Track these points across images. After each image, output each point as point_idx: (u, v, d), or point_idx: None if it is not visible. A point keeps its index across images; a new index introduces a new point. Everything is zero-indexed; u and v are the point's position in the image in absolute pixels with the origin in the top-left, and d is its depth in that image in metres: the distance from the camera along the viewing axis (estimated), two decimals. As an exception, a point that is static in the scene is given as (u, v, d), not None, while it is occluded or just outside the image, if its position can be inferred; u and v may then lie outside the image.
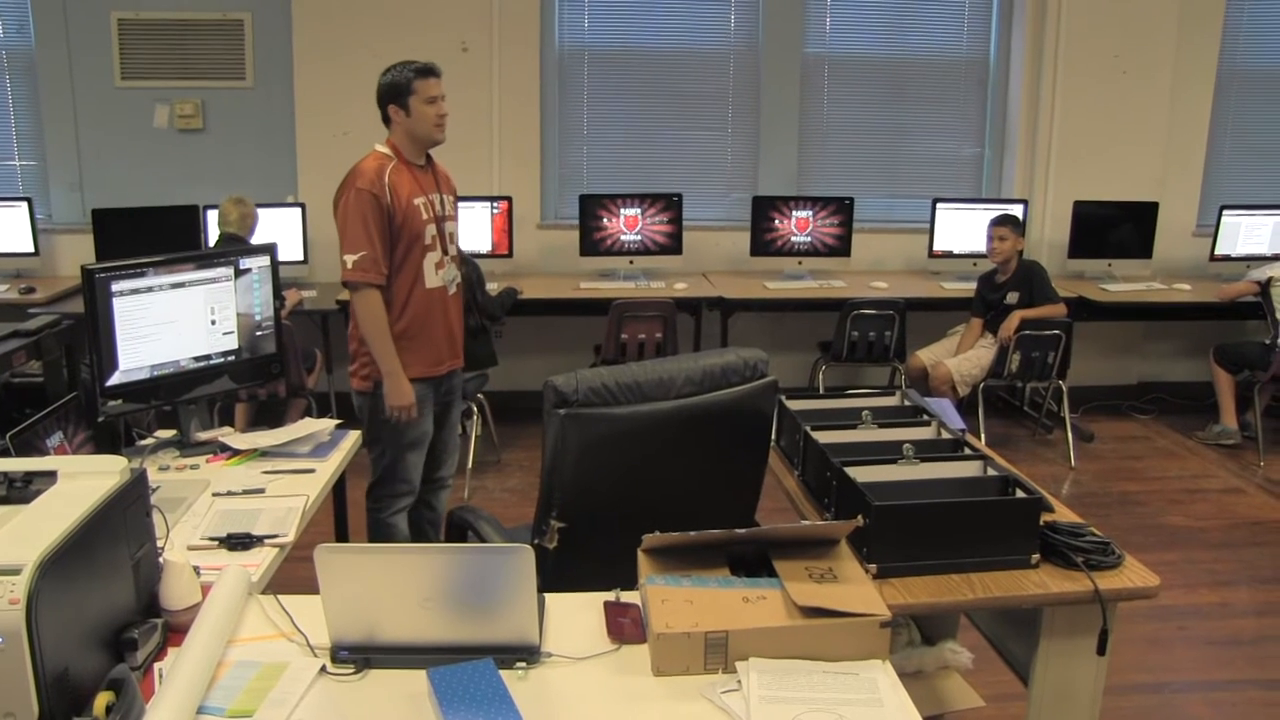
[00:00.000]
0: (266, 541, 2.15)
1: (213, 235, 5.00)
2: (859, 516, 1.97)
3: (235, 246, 4.22)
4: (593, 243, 5.55)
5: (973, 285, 5.38)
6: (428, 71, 3.08)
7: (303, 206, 5.38)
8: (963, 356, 5.14)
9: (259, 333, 2.88)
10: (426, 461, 3.36)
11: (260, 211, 4.96)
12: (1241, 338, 5.67)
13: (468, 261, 4.78)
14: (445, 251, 3.21)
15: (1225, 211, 5.83)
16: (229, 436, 2.77)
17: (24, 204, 5.42)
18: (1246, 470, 5.02)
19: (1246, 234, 5.86)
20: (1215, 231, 5.84)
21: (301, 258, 5.36)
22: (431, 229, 3.14)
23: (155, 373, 2.66)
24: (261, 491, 2.44)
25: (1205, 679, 3.21)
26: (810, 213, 5.64)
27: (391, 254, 3.07)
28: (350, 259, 3.01)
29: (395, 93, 3.08)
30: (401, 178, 3.08)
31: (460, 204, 5.03)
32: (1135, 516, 4.46)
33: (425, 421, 3.23)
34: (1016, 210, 5.59)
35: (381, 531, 3.25)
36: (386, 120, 3.13)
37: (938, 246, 5.74)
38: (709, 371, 2.26)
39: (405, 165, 3.11)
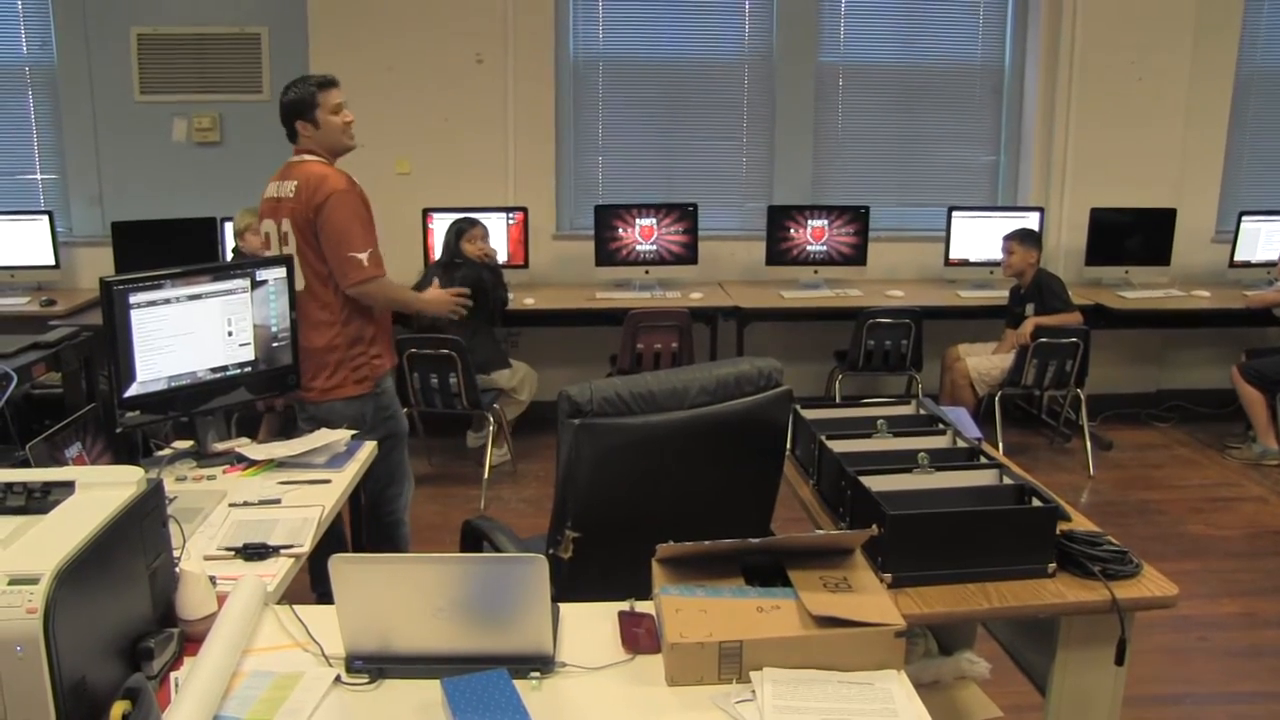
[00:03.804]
0: (282, 552, 2.15)
1: (229, 244, 5.05)
2: (874, 526, 1.97)
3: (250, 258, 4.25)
4: (608, 253, 5.55)
5: (989, 293, 5.51)
6: (328, 83, 3.17)
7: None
8: (984, 356, 5.15)
9: (275, 344, 2.89)
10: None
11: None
12: (1263, 344, 5.62)
13: (492, 269, 4.85)
14: None
15: (1244, 217, 5.79)
16: (245, 447, 2.79)
17: (45, 218, 5.48)
18: (1269, 479, 4.96)
19: (1266, 240, 5.81)
20: (1234, 237, 5.80)
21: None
22: None
23: (172, 384, 2.68)
24: (278, 502, 2.45)
25: (1227, 691, 3.17)
26: (826, 222, 5.64)
27: None
28: (363, 256, 3.09)
29: (300, 109, 3.16)
30: None
31: (476, 214, 5.13)
32: (1155, 525, 4.43)
33: (401, 411, 3.40)
34: (1033, 217, 5.58)
35: (399, 531, 3.31)
36: (293, 135, 3.19)
37: (954, 255, 5.72)
38: (723, 381, 2.26)
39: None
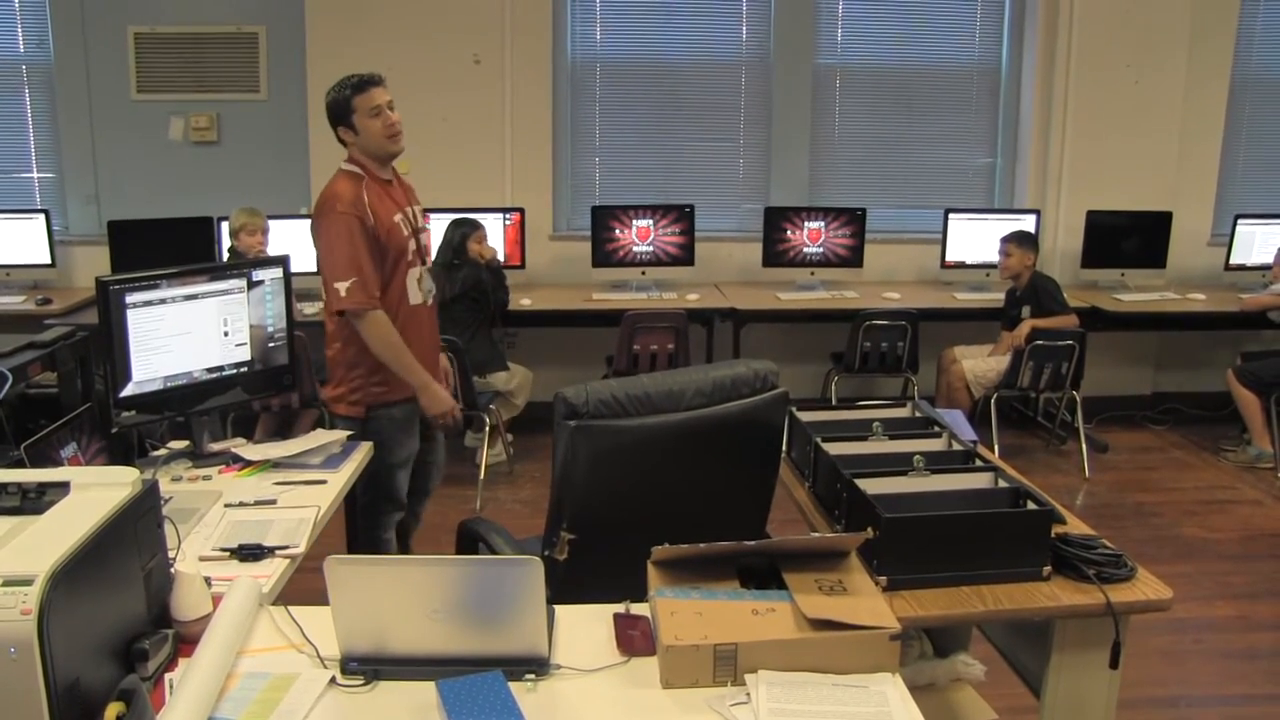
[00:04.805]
0: (277, 552, 2.15)
1: (226, 243, 5.05)
2: (869, 528, 1.97)
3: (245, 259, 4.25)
4: (605, 254, 5.56)
5: (985, 295, 5.53)
6: (366, 84, 2.97)
7: (316, 218, 5.41)
8: (980, 359, 5.16)
9: (271, 344, 2.89)
10: (415, 475, 3.35)
11: (274, 223, 5.00)
12: (1258, 347, 5.63)
13: (493, 269, 4.85)
14: (423, 264, 3.17)
15: (1240, 220, 5.80)
16: (241, 447, 2.78)
17: (41, 216, 5.47)
18: (1263, 482, 4.97)
19: (1262, 243, 5.82)
20: (1230, 241, 5.81)
21: (315, 269, 5.37)
22: (411, 244, 3.10)
23: (168, 384, 2.67)
24: (273, 502, 2.45)
25: (1222, 693, 3.18)
26: (822, 223, 5.64)
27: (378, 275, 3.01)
28: (341, 286, 2.93)
29: (338, 114, 3.00)
30: (377, 196, 3.01)
31: (474, 215, 5.12)
32: (1150, 528, 4.43)
33: (413, 440, 3.19)
34: (1029, 220, 5.59)
35: (375, 548, 3.24)
36: (342, 142, 3.05)
37: (950, 257, 5.73)
38: (719, 383, 2.26)
39: (376, 182, 3.04)
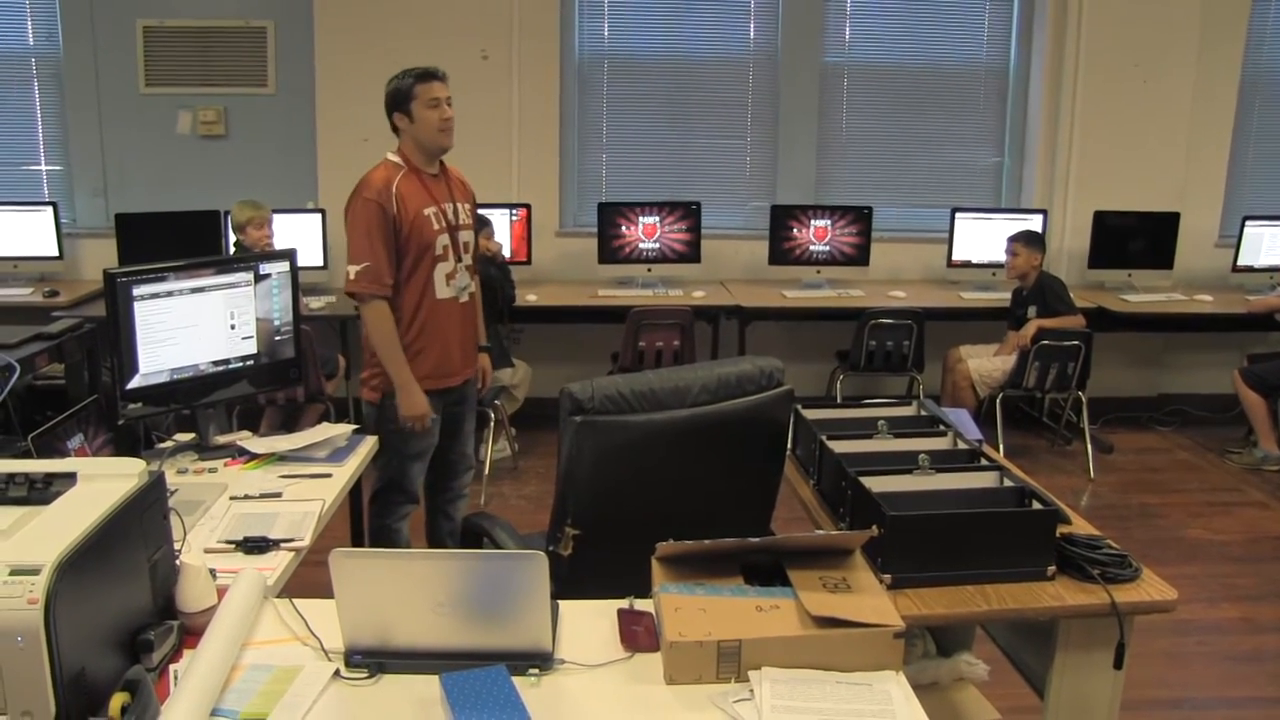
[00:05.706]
0: (282, 545, 2.16)
1: (232, 237, 5.05)
2: (874, 526, 1.97)
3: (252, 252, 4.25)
4: (611, 250, 5.56)
5: (991, 295, 5.52)
6: (430, 75, 3.04)
7: (323, 212, 5.42)
8: (985, 358, 5.15)
9: (278, 338, 2.90)
10: (442, 472, 3.36)
11: (281, 217, 4.99)
12: (1264, 349, 5.61)
13: (499, 265, 4.85)
14: (459, 260, 3.17)
15: (1248, 222, 5.78)
16: (247, 440, 2.79)
17: (49, 209, 5.48)
18: (1269, 484, 4.96)
19: (1270, 245, 5.80)
20: (1238, 242, 5.79)
21: (321, 263, 5.40)
22: (443, 239, 3.10)
23: (175, 376, 2.68)
24: (278, 495, 2.45)
25: (1226, 695, 3.17)
26: (829, 222, 5.63)
27: (400, 265, 3.04)
28: (353, 270, 3.00)
29: (398, 100, 3.05)
30: (411, 187, 3.04)
31: (481, 211, 5.12)
32: (1155, 529, 4.42)
33: (431, 433, 3.21)
34: (1036, 220, 5.58)
35: (384, 538, 3.24)
36: (395, 130, 3.11)
37: (956, 256, 5.71)
38: (725, 380, 2.26)
39: (416, 174, 3.07)
